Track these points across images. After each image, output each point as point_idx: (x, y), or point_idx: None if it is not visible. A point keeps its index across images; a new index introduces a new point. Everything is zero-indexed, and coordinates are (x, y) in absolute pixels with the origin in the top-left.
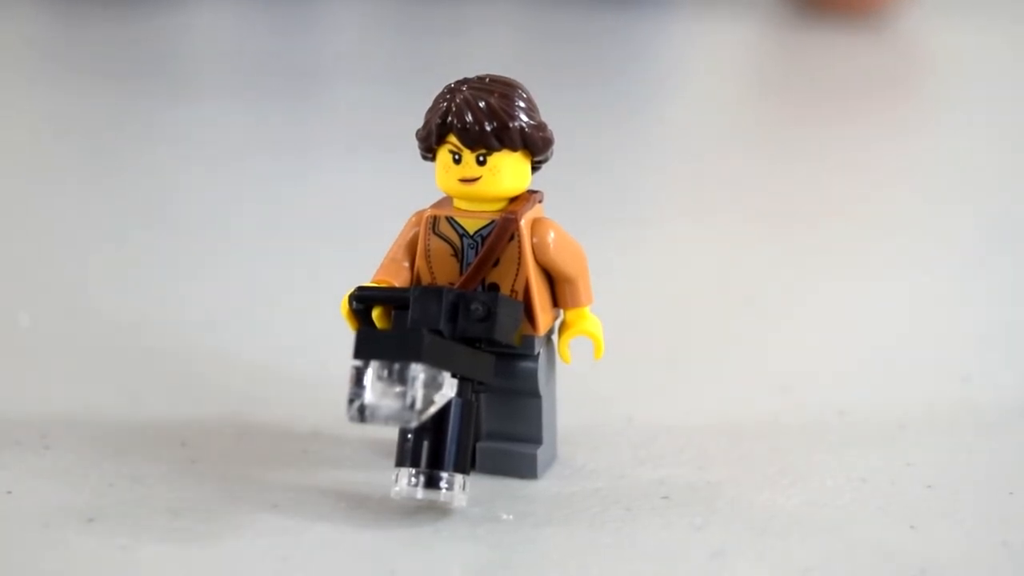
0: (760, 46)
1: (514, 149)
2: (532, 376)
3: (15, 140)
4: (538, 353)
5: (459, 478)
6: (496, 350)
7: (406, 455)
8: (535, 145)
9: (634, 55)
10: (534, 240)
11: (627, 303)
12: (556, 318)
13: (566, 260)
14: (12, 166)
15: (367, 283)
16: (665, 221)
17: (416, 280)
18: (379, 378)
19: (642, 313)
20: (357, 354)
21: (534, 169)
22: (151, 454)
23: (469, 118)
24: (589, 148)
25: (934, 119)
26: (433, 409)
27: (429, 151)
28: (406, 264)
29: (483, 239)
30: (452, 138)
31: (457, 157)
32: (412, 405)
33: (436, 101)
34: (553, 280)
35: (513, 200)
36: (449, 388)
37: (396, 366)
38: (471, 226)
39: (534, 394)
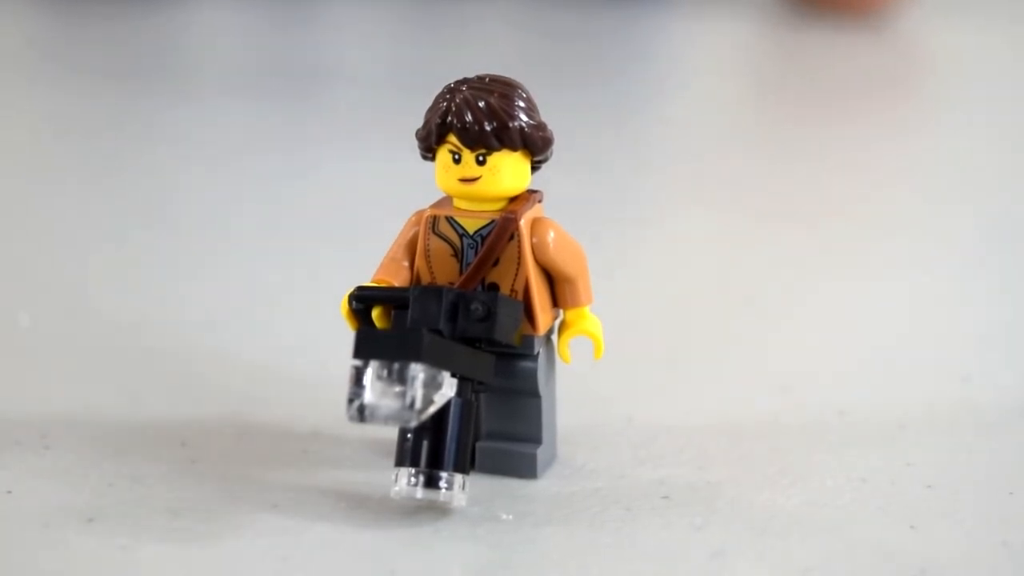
0: (760, 46)
1: (514, 149)
2: (532, 376)
3: (15, 140)
4: (538, 353)
5: (459, 478)
6: (496, 350)
7: (406, 455)
8: (535, 145)
9: (634, 55)
10: (534, 240)
11: (627, 303)
12: (556, 318)
13: (566, 260)
14: (12, 166)
15: (367, 283)
16: (665, 221)
17: (416, 280)
18: (379, 378)
19: (642, 313)
20: (357, 354)
21: (534, 169)
22: (151, 454)
23: (469, 118)
24: (589, 148)
25: (934, 119)
26: (433, 409)
27: (429, 151)
28: (406, 264)
29: (483, 239)
30: (452, 138)
31: (457, 157)
32: (412, 405)
33: (436, 101)
34: (553, 280)
35: (513, 200)
36: (449, 388)
37: (396, 366)
38: (471, 226)
39: (534, 394)
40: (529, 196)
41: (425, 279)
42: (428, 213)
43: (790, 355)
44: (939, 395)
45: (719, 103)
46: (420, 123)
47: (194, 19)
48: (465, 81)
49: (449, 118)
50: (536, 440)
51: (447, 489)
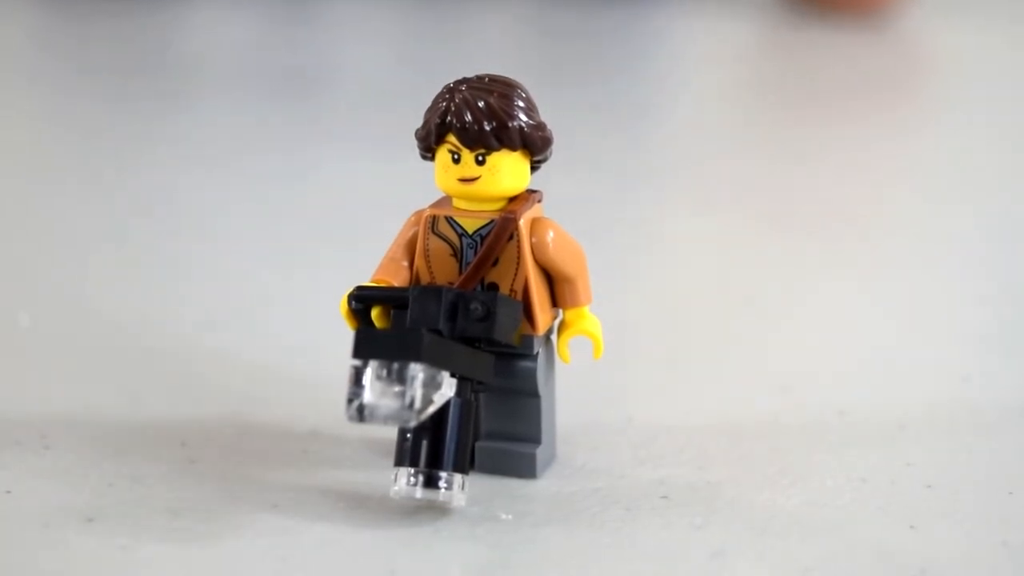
0: (760, 46)
1: (513, 149)
2: (531, 376)
3: (15, 140)
4: (537, 353)
5: (458, 478)
6: (495, 350)
7: (405, 455)
8: (534, 145)
9: (634, 54)
10: (533, 240)
11: (627, 303)
12: (555, 318)
13: (565, 259)
14: (12, 166)
15: (366, 283)
16: (664, 221)
17: (415, 280)
18: (378, 378)
19: (642, 313)
20: (356, 354)
21: (533, 169)
22: (151, 454)
23: (468, 118)
24: (588, 148)
25: (934, 119)
26: (432, 409)
27: (428, 151)
28: (405, 264)
29: (482, 239)
30: (451, 138)
31: (456, 157)
32: (411, 405)
33: (435, 101)
34: (552, 279)
35: (512, 200)
36: (448, 388)
37: (395, 365)
38: (470, 226)
39: (533, 394)
40: (528, 196)
41: (424, 279)
42: (427, 213)
43: (790, 355)
44: (939, 395)
45: (719, 103)
46: (419, 123)
47: (195, 18)
48: (464, 81)
49: (448, 118)
50: (535, 440)
51: (446, 489)
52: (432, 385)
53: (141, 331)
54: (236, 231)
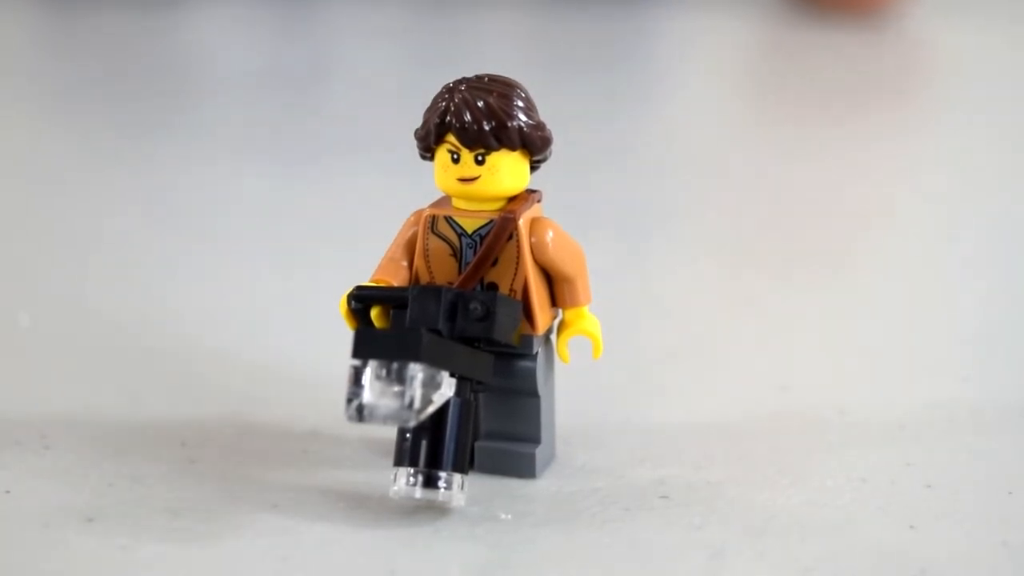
0: (761, 45)
1: (512, 148)
2: (531, 375)
3: (15, 140)
4: (536, 352)
5: (457, 477)
6: (495, 349)
7: (404, 454)
8: (533, 144)
9: (634, 54)
10: (533, 239)
11: (627, 303)
12: (555, 317)
13: (565, 259)
14: (12, 166)
15: (366, 282)
16: (664, 220)
17: (415, 279)
18: (377, 377)
19: (642, 313)
20: (355, 353)
21: (533, 168)
22: (151, 454)
23: (467, 117)
24: (588, 147)
25: (934, 119)
26: (431, 408)
27: (428, 151)
28: (405, 263)
29: (482, 238)
30: (451, 137)
31: (456, 156)
32: (410, 404)
33: (435, 101)
34: (552, 279)
35: (512, 199)
36: (448, 387)
37: (395, 365)
38: (470, 225)
39: (533, 393)
40: (528, 196)
41: (424, 279)
42: (427, 213)
43: (790, 355)
44: (939, 395)
45: (719, 102)
46: (419, 123)
47: (195, 19)
48: (464, 81)
49: (448, 118)
50: (535, 440)
51: (446, 489)
52: (431, 385)
53: (141, 331)
54: (236, 231)
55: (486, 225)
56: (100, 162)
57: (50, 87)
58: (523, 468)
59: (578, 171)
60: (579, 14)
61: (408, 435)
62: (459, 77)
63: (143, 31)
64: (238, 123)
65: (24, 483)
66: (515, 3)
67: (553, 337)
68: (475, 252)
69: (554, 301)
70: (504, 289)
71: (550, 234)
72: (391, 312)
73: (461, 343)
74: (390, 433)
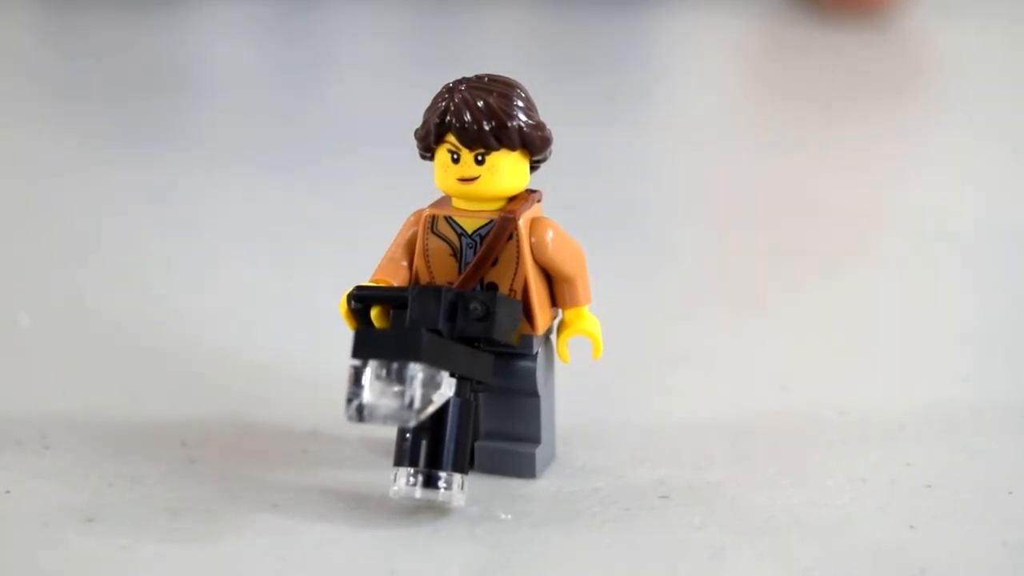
0: (762, 45)
1: (512, 148)
2: (531, 375)
3: (15, 140)
4: (536, 352)
5: (457, 477)
6: (495, 349)
7: (404, 454)
8: (533, 144)
9: (634, 54)
10: (532, 239)
11: (627, 302)
12: (555, 317)
13: (564, 259)
14: (12, 166)
15: (365, 282)
16: (664, 220)
17: (415, 279)
18: (377, 377)
19: (642, 313)
20: (355, 353)
21: (532, 168)
22: (151, 454)
23: (467, 117)
24: (588, 147)
25: (935, 119)
26: (431, 408)
27: (428, 150)
28: (404, 263)
29: (482, 238)
30: (450, 137)
31: (456, 156)
32: (410, 404)
33: (435, 100)
34: (552, 279)
35: (512, 199)
36: (447, 387)
37: (394, 365)
38: (470, 225)
39: (532, 393)
40: (528, 196)
41: (424, 279)
42: (427, 212)
43: (790, 355)
44: (939, 395)
45: (720, 102)
46: (419, 123)
47: (196, 19)
48: (464, 80)
49: (448, 117)
50: (535, 440)
51: (446, 489)
52: (431, 385)
53: (141, 331)
54: (236, 231)
55: (486, 225)
56: (100, 162)
57: (50, 87)
58: (523, 468)
59: (578, 171)
60: (579, 14)
61: (408, 435)
62: (459, 77)
63: (143, 31)
64: (238, 123)
65: (24, 483)
66: (515, 2)
67: (553, 337)
68: (475, 252)
69: (554, 301)
70: (504, 289)
71: (550, 234)
72: (391, 312)
73: (461, 343)
74: (390, 433)
